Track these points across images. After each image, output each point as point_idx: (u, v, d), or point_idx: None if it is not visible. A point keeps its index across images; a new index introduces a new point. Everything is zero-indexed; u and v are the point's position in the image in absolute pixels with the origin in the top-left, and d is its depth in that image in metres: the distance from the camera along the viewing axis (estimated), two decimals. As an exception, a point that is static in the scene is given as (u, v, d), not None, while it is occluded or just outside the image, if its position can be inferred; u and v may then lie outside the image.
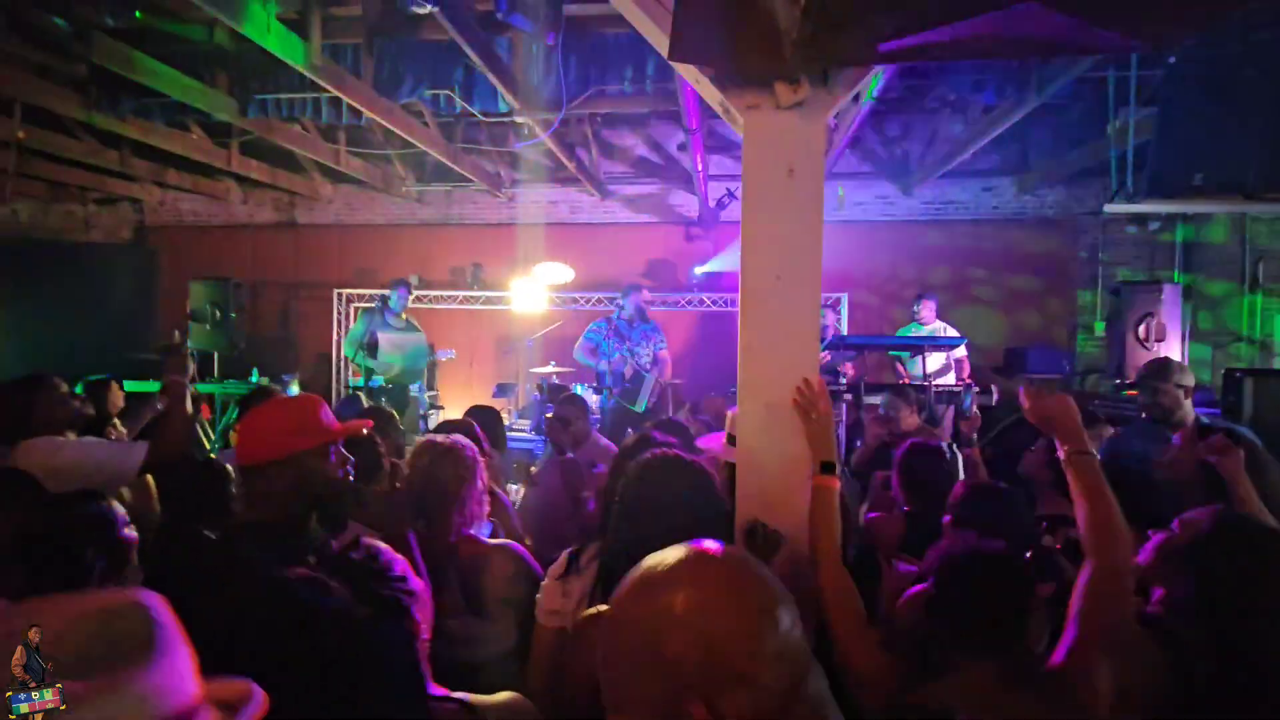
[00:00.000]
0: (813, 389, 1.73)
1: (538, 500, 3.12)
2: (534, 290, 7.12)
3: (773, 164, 1.79)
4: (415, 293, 6.59)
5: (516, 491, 3.74)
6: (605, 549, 1.60)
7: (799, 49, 1.50)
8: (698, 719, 0.63)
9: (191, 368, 2.33)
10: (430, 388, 6.93)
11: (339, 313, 7.80)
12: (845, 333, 6.64)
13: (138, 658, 0.59)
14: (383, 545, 1.21)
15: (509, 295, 7.26)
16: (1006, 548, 1.35)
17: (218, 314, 6.44)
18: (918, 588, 1.46)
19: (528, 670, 1.64)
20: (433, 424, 5.92)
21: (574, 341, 5.81)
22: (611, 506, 1.62)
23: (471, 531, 1.88)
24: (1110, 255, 7.11)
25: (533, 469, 3.90)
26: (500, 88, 4.34)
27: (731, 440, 1.90)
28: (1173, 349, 4.82)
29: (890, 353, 6.21)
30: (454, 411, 5.49)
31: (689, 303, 7.40)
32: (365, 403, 4.68)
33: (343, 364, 7.61)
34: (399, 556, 1.19)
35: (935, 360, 5.45)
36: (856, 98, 4.22)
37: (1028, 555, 1.65)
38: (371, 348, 5.60)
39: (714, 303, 7.34)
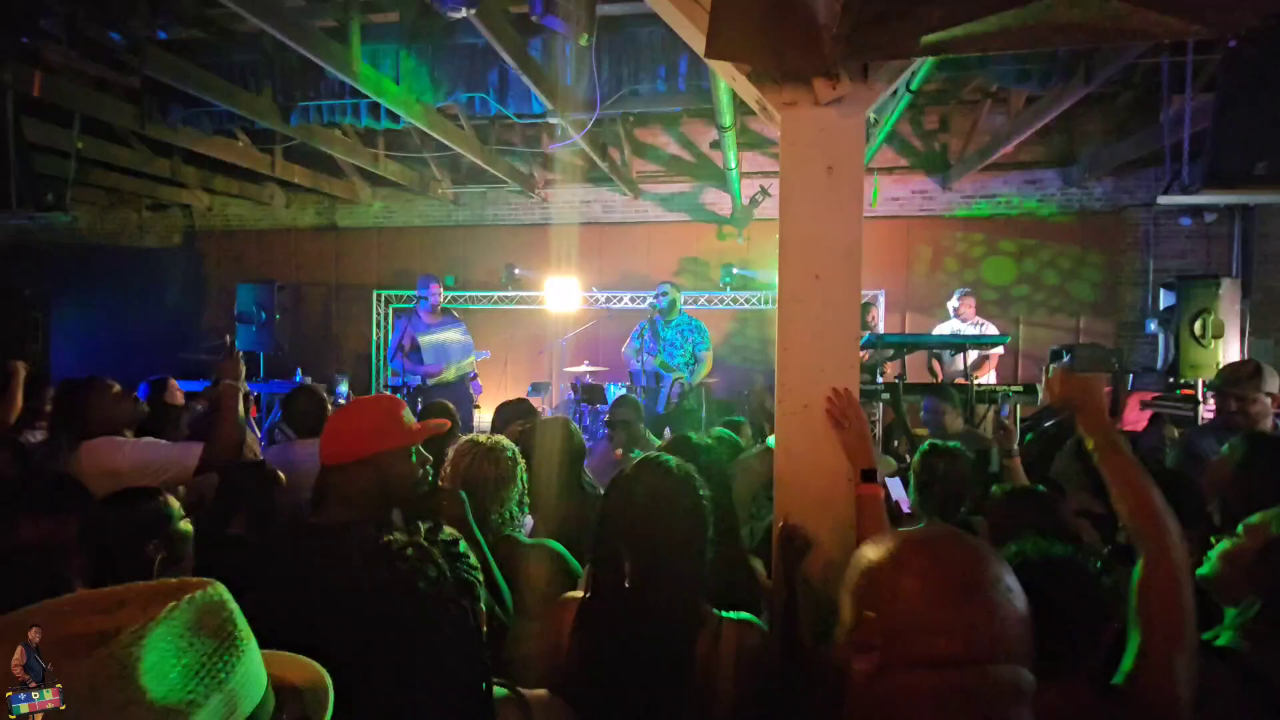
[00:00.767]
0: (842, 399, 1.70)
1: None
2: (567, 290, 7.17)
3: (811, 161, 1.76)
4: (450, 294, 6.62)
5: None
6: (594, 554, 1.59)
7: (839, 44, 1.47)
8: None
9: (243, 370, 2.39)
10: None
11: (378, 314, 7.97)
12: (882, 330, 6.52)
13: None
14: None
15: (543, 295, 7.33)
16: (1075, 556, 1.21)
17: (262, 315, 6.64)
18: None
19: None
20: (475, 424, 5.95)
21: (607, 341, 5.82)
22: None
23: (510, 532, 1.90)
24: (1162, 249, 6.83)
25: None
26: (535, 89, 4.37)
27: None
28: (1231, 347, 4.61)
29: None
30: (487, 413, 5.51)
31: (721, 301, 7.38)
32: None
33: (381, 364, 7.76)
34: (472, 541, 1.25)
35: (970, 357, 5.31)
36: (895, 92, 4.13)
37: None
38: (413, 352, 5.65)
39: (746, 301, 7.30)
